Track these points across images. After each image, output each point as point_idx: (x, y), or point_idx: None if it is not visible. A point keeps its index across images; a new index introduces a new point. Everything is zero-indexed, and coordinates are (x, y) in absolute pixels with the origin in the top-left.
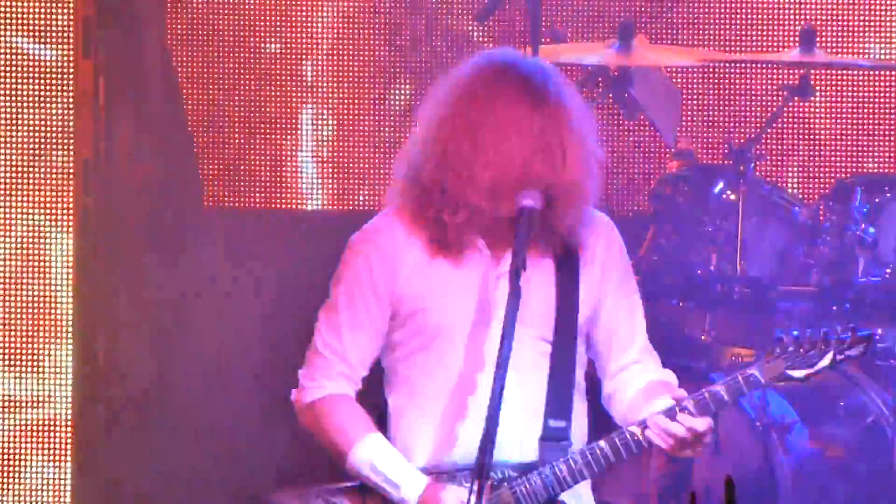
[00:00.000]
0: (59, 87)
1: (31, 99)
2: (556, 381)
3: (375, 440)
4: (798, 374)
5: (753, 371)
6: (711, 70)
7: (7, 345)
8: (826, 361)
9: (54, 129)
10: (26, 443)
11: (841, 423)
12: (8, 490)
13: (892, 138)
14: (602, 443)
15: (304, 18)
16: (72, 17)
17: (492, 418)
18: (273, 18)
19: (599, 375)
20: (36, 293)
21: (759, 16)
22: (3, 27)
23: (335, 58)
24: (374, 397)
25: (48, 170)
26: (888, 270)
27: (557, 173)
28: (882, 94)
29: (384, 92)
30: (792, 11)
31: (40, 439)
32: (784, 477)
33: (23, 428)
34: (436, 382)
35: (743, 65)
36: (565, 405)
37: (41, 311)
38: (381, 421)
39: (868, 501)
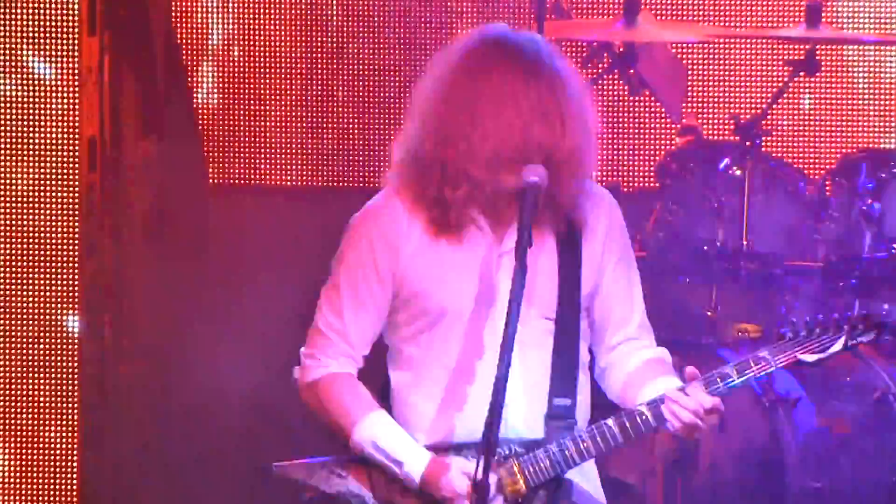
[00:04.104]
0: (65, 65)
1: (36, 77)
2: (561, 358)
3: (378, 417)
4: (810, 358)
5: (765, 354)
6: (717, 46)
7: (14, 322)
8: (838, 346)
9: (60, 107)
10: (35, 419)
11: (848, 398)
12: (15, 462)
13: None
14: (610, 422)
15: None
16: None
17: (498, 394)
18: None
19: (594, 349)
20: (42, 271)
21: None
22: (9, 4)
23: (337, 34)
24: (376, 373)
25: (54, 148)
26: (895, 246)
27: (557, 140)
28: (888, 70)
29: (386, 69)
30: None
31: (49, 416)
32: (791, 453)
33: (31, 405)
34: (440, 362)
35: (748, 40)
36: (570, 383)
37: (47, 288)
38: (383, 397)
39: (875, 477)
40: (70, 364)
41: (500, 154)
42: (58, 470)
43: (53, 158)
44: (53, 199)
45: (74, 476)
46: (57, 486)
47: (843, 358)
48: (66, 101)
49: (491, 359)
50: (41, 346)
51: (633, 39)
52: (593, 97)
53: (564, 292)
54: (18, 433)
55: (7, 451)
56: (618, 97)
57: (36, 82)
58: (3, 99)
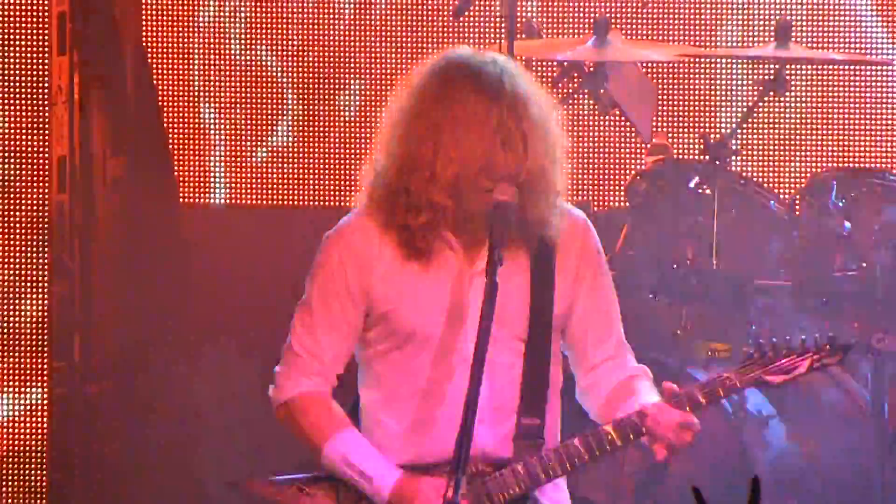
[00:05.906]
0: (34, 84)
1: (5, 95)
2: (530, 379)
3: (350, 435)
4: (775, 379)
5: (730, 376)
6: (686, 65)
7: None
8: (803, 369)
9: (29, 126)
10: (2, 439)
11: (818, 418)
12: None
13: (867, 133)
14: (576, 441)
15: (277, 18)
16: (47, 13)
17: (469, 415)
18: (247, 18)
19: (574, 370)
20: (10, 291)
21: (734, 10)
22: None
23: (307, 56)
24: (349, 391)
25: (23, 167)
26: (864, 264)
27: (520, 163)
28: (857, 89)
29: (356, 90)
30: (767, 6)
31: (17, 436)
32: (761, 472)
33: None
34: (410, 381)
35: (718, 60)
36: (539, 403)
37: (15, 308)
38: (354, 415)
39: (844, 496)
40: (39, 384)
41: (462, 179)
42: (27, 491)
43: (23, 178)
44: (23, 219)
45: (44, 498)
46: None
47: (814, 377)
48: (35, 120)
49: (461, 379)
50: (9, 366)
51: (603, 59)
52: (561, 115)
53: (536, 313)
54: None
55: None
56: (588, 116)
57: (5, 101)
58: None
